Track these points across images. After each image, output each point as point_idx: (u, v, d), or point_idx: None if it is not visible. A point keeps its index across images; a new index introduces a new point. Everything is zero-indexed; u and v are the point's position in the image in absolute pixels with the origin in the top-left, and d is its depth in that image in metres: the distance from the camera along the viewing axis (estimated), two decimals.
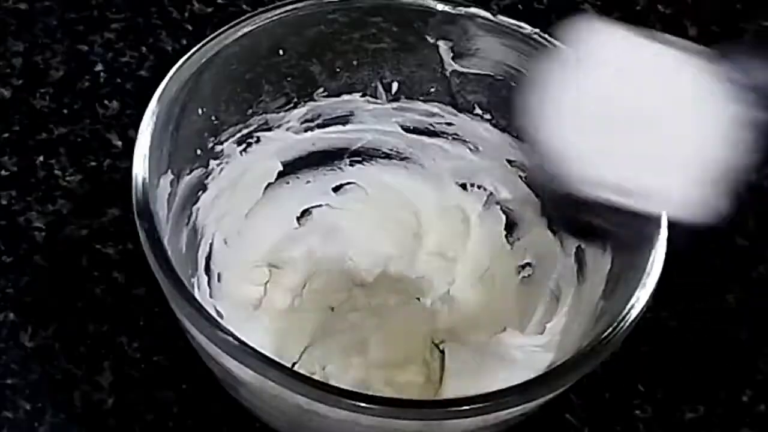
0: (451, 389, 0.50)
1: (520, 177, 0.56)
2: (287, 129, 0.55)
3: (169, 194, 0.49)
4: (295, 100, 0.55)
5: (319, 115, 0.55)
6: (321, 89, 0.55)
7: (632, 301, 0.45)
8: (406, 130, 0.56)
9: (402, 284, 0.55)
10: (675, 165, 0.35)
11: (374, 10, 0.53)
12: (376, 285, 0.54)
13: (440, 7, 0.53)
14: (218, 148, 0.53)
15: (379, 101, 0.56)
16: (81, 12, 0.66)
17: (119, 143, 0.61)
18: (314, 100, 0.55)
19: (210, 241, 0.53)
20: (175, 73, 0.49)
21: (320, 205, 0.57)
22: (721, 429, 0.54)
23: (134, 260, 0.55)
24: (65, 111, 0.62)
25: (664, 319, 0.57)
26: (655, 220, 0.47)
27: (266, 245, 0.55)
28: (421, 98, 0.56)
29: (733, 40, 0.40)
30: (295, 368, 0.51)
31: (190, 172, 0.51)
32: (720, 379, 0.56)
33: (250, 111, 0.54)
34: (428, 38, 0.54)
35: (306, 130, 0.56)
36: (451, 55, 0.54)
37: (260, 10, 0.52)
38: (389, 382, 0.50)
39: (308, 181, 0.57)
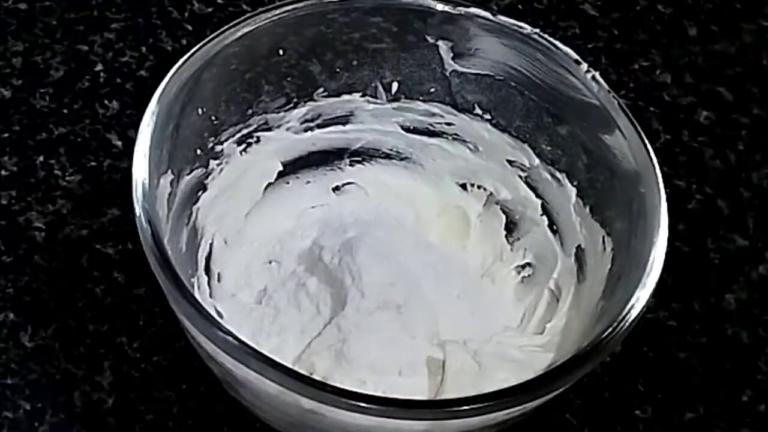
0: (451, 389, 0.50)
1: (520, 177, 0.56)
2: (287, 129, 0.55)
3: (169, 194, 0.49)
4: (295, 100, 0.55)
5: (319, 115, 0.55)
6: (321, 89, 0.55)
7: (632, 301, 0.45)
8: (406, 130, 0.56)
9: (403, 284, 0.54)
10: None
11: (374, 10, 0.53)
12: (377, 285, 0.54)
13: (440, 7, 0.53)
14: (218, 148, 0.53)
15: (379, 101, 0.56)
16: (81, 12, 0.66)
17: (119, 143, 0.61)
18: (314, 100, 0.55)
19: (210, 241, 0.53)
20: (175, 73, 0.49)
21: (320, 205, 0.57)
22: (721, 429, 0.54)
23: (134, 260, 0.55)
24: (65, 111, 0.62)
25: (664, 319, 0.57)
26: (655, 220, 0.48)
27: (266, 245, 0.55)
28: (421, 98, 0.56)
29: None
30: (295, 368, 0.51)
31: (190, 172, 0.51)
32: (720, 379, 0.56)
33: (250, 111, 0.54)
34: (428, 38, 0.54)
35: (306, 130, 0.56)
36: (451, 55, 0.54)
37: (260, 10, 0.52)
38: (390, 383, 0.50)
39: (308, 181, 0.57)
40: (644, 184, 0.49)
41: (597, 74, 0.51)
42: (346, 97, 0.55)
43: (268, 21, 0.51)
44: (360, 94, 0.55)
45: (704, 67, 0.68)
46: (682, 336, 0.57)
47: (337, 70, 0.54)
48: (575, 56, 0.52)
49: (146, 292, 0.55)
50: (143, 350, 0.53)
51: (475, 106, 0.55)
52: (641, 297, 0.45)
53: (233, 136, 0.53)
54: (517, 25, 0.52)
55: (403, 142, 0.57)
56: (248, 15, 0.51)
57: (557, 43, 0.52)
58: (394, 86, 0.55)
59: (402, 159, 0.57)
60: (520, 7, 0.70)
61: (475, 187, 0.57)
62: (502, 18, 0.53)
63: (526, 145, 0.55)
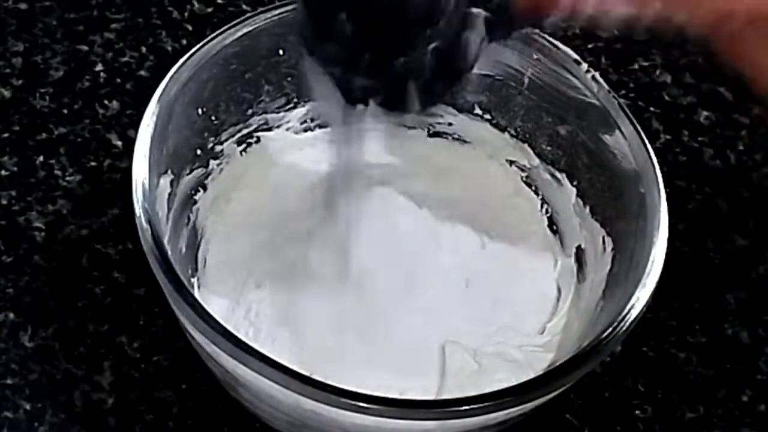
0: (451, 389, 0.50)
1: (520, 177, 0.56)
2: (287, 129, 0.55)
3: (169, 194, 0.49)
4: (295, 100, 0.55)
5: (320, 115, 0.55)
6: None
7: (632, 301, 0.45)
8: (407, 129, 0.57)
9: (405, 284, 0.54)
10: None
11: None
12: (377, 285, 0.54)
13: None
14: (218, 148, 0.53)
15: None
16: (81, 12, 0.66)
17: (119, 143, 0.61)
18: (314, 100, 0.55)
19: (210, 241, 0.53)
20: (175, 73, 0.49)
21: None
22: (721, 429, 0.54)
23: (134, 260, 0.55)
24: (65, 111, 0.62)
25: (664, 319, 0.57)
26: (655, 220, 0.48)
27: (266, 245, 0.55)
28: None
29: None
30: (295, 368, 0.51)
31: (190, 172, 0.51)
32: (720, 379, 0.56)
33: (250, 111, 0.54)
34: None
35: (306, 130, 0.56)
36: None
37: (260, 10, 0.52)
38: (391, 383, 0.50)
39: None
40: (644, 184, 0.49)
41: (597, 74, 0.51)
42: None
43: (268, 21, 0.51)
44: None
45: (704, 67, 0.68)
46: (682, 336, 0.57)
47: None
48: (575, 56, 0.52)
49: (146, 292, 0.55)
50: (143, 350, 0.53)
51: (475, 106, 0.55)
52: (641, 297, 0.45)
53: (233, 136, 0.53)
54: None
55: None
56: (248, 15, 0.51)
57: (557, 43, 0.52)
58: None
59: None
60: None
61: None
62: None
63: (526, 145, 0.55)
